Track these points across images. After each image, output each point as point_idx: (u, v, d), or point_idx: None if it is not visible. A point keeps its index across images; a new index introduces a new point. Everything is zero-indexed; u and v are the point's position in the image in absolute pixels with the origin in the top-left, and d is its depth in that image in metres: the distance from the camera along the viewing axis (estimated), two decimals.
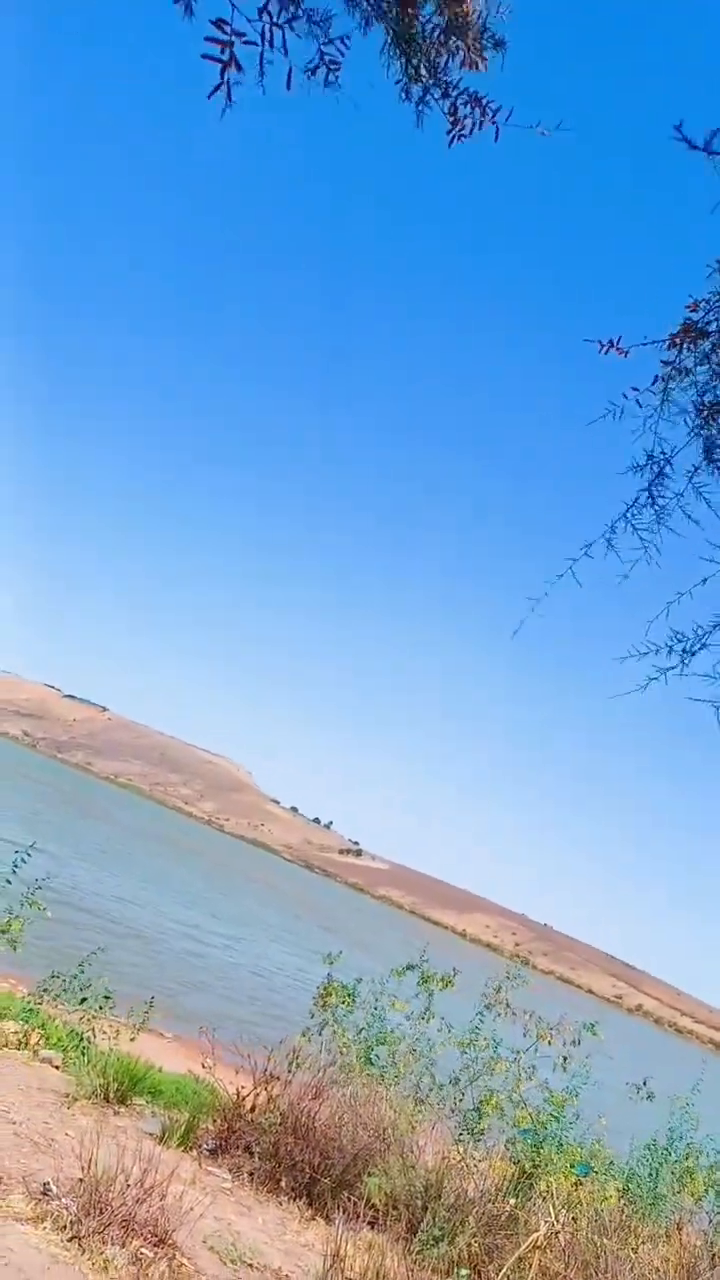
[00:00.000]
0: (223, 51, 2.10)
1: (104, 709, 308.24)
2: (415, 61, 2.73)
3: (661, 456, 3.15)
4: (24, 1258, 3.57)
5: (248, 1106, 6.15)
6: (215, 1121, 6.11)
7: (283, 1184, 5.72)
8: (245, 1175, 5.72)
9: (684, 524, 3.13)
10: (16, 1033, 6.92)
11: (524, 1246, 5.17)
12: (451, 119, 2.77)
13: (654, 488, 3.15)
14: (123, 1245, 3.91)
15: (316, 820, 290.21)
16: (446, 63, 2.74)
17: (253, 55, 2.38)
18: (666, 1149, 7.97)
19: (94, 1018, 7.64)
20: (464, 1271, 4.79)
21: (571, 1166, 7.01)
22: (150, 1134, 5.67)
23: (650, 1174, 7.68)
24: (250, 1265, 4.48)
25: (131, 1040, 7.81)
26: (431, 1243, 5.28)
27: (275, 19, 2.34)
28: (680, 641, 3.08)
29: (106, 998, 7.86)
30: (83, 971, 7.93)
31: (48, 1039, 7.08)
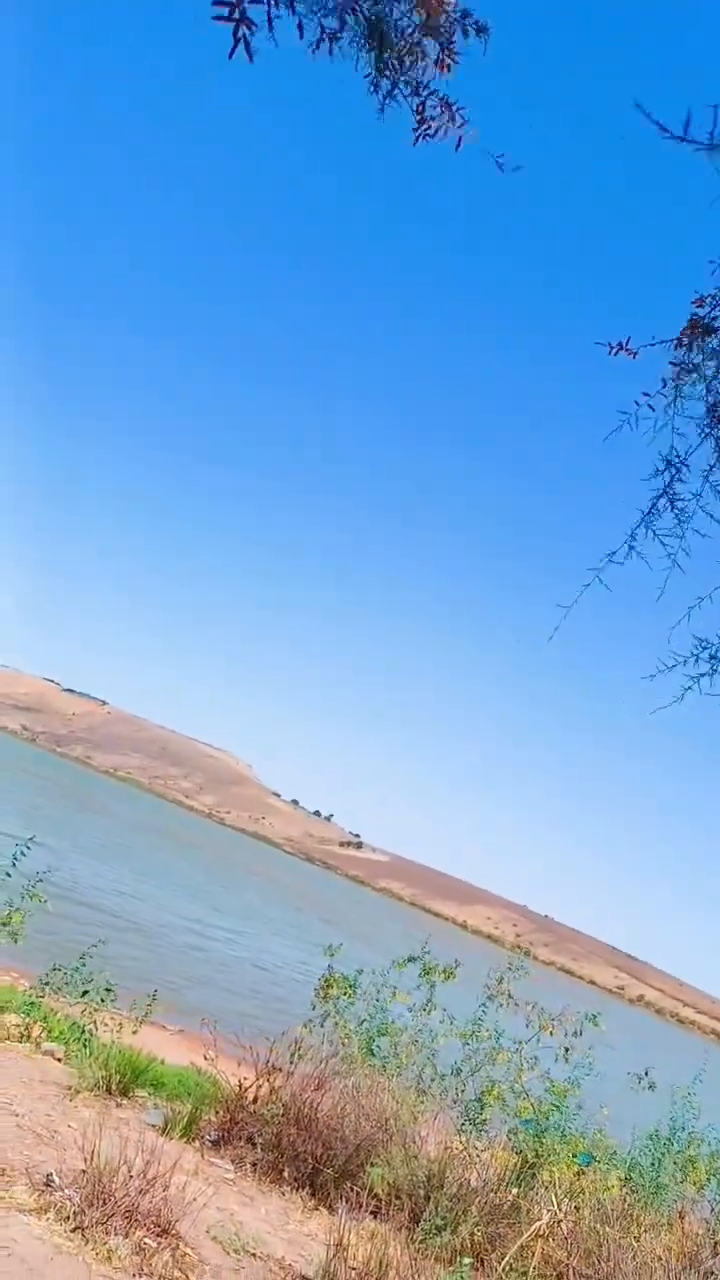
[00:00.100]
0: (232, 12, 2.09)
1: (104, 703, 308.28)
2: (385, 56, 2.72)
3: (677, 459, 3.11)
4: (27, 1248, 3.57)
5: (250, 1098, 6.16)
6: (218, 1113, 6.12)
7: (285, 1174, 5.73)
8: (248, 1166, 5.73)
9: (708, 524, 3.07)
10: (19, 1026, 6.93)
11: (527, 1235, 5.19)
12: (419, 118, 2.76)
13: (670, 491, 3.11)
14: (126, 1236, 3.91)
15: (317, 813, 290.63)
16: (417, 61, 2.73)
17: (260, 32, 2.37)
18: (669, 1139, 7.99)
19: (96, 1011, 7.65)
20: (467, 1260, 4.80)
21: (574, 1156, 7.03)
22: (153, 1126, 5.68)
23: (652, 1163, 7.71)
24: (254, 1255, 4.49)
25: (134, 1033, 7.81)
26: (434, 1232, 5.29)
27: None
28: (706, 648, 3.04)
29: (108, 990, 7.86)
30: (84, 965, 7.93)
31: (50, 1032, 7.09)
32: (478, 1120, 7.58)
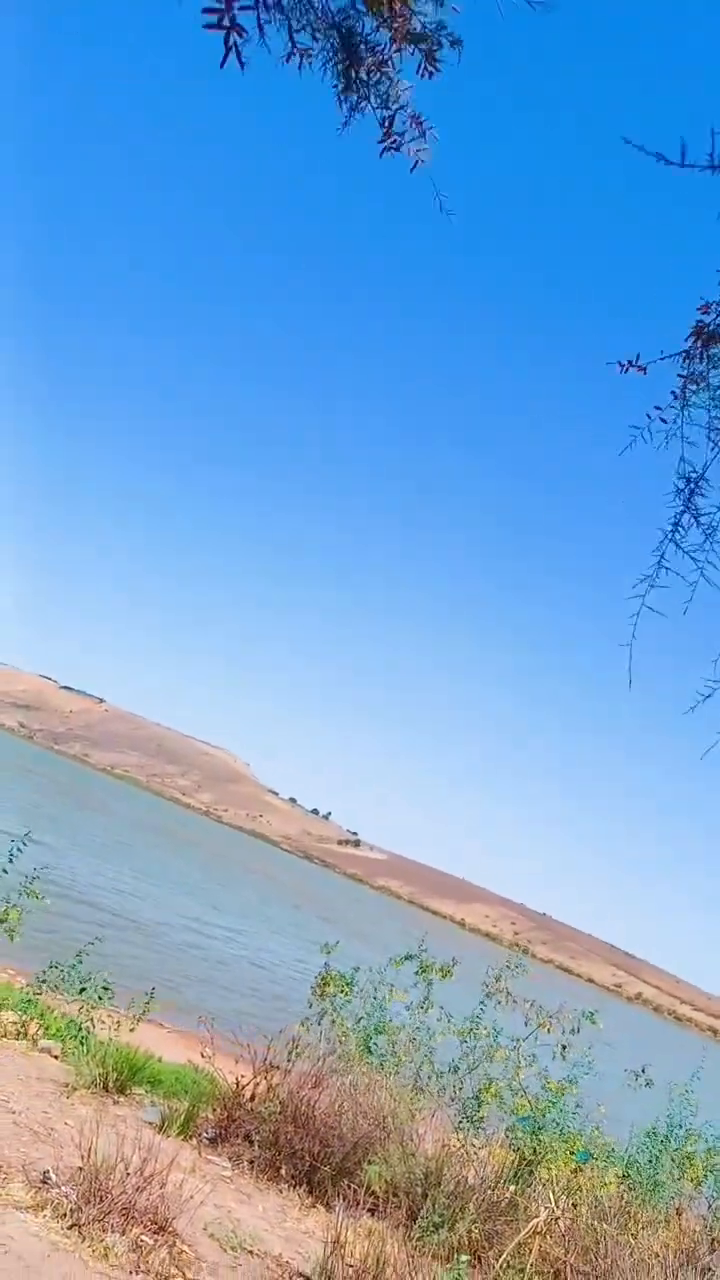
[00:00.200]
0: (221, 20, 2.09)
1: (101, 700, 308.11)
2: (354, 72, 2.73)
3: (694, 474, 3.10)
4: (24, 1245, 3.56)
5: (247, 1095, 6.15)
6: (215, 1110, 6.11)
7: (283, 1172, 5.73)
8: (245, 1163, 5.73)
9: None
10: (15, 1023, 6.92)
11: (524, 1232, 5.19)
12: (385, 131, 2.76)
13: (691, 506, 3.10)
14: (123, 1233, 3.91)
15: (315, 811, 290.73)
16: (385, 76, 2.74)
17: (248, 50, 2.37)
18: (666, 1136, 7.99)
19: (93, 1008, 7.64)
20: (464, 1257, 4.79)
21: (571, 1153, 7.03)
22: (150, 1123, 5.68)
23: (650, 1160, 7.71)
24: (251, 1252, 4.48)
25: (131, 1031, 7.80)
26: (432, 1229, 5.29)
27: None
28: None
29: (106, 988, 7.85)
30: (81, 962, 7.92)
31: (47, 1029, 7.08)
32: (475, 1118, 7.58)
